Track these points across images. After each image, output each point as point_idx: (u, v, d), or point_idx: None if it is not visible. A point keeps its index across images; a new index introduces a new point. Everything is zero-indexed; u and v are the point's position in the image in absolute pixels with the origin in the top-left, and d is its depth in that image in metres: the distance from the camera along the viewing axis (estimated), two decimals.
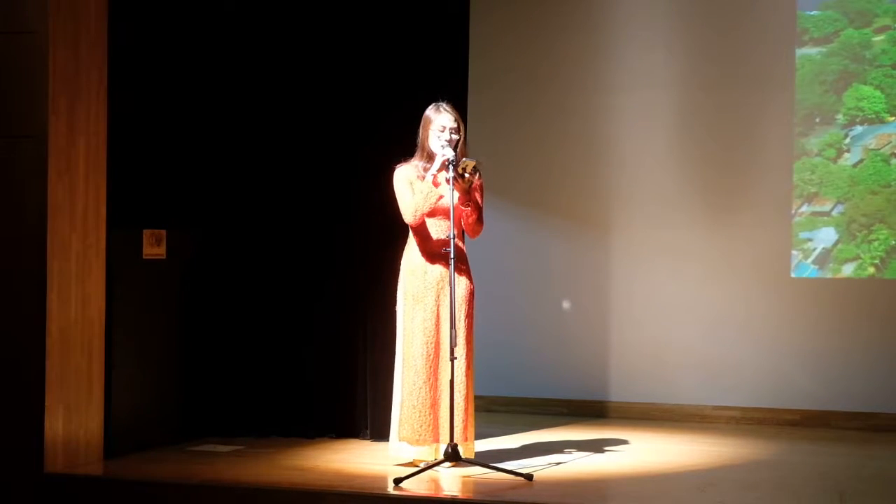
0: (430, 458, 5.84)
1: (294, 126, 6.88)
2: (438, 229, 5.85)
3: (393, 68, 6.73)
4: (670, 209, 7.86)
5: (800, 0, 7.71)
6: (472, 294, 5.90)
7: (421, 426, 5.77)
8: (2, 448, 5.69)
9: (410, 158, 5.92)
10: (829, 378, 7.58)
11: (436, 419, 5.79)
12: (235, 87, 6.93)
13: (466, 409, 5.77)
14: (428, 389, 5.79)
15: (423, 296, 5.84)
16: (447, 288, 5.81)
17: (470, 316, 5.87)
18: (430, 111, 5.87)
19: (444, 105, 5.88)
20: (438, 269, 5.85)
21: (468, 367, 5.79)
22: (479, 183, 5.88)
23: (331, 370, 6.79)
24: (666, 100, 7.90)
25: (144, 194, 6.54)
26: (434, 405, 5.80)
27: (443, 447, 5.79)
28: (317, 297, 6.82)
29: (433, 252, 5.85)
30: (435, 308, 5.83)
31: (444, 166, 5.71)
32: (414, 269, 5.89)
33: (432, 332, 5.82)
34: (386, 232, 6.34)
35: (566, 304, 7.97)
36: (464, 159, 5.73)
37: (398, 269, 5.98)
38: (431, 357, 5.81)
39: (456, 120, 5.84)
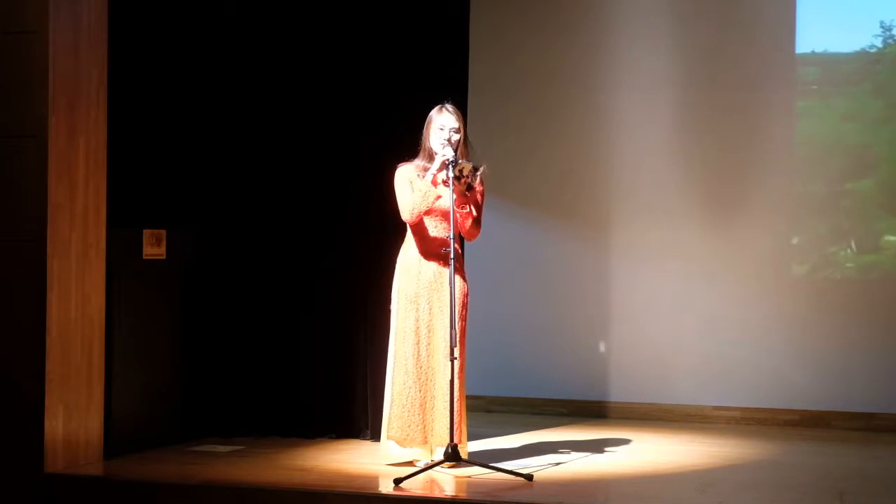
0: (423, 458, 5.84)
1: (294, 126, 6.88)
2: (436, 229, 5.86)
3: (393, 68, 6.73)
4: (670, 209, 7.85)
5: None
6: (466, 296, 5.89)
7: (409, 426, 5.78)
8: (2, 448, 5.69)
9: (413, 158, 5.93)
10: (829, 378, 7.58)
11: (424, 420, 5.79)
12: (235, 88, 6.93)
13: (460, 412, 5.77)
14: (418, 390, 5.80)
15: (416, 296, 5.84)
16: (442, 289, 5.81)
17: (464, 319, 5.86)
18: (433, 112, 5.89)
19: (448, 106, 5.89)
20: (432, 270, 5.85)
21: (461, 368, 5.78)
22: (480, 189, 5.88)
23: (331, 371, 6.80)
24: (666, 100, 7.89)
25: (144, 194, 6.54)
26: (423, 406, 5.80)
27: (436, 449, 5.80)
28: (316, 297, 6.82)
29: (431, 251, 5.85)
30: (428, 308, 5.83)
31: (444, 166, 5.72)
32: (408, 268, 5.89)
33: (425, 333, 5.83)
34: (386, 232, 6.35)
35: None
36: (461, 161, 5.73)
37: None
38: (423, 357, 5.81)
39: (457, 121, 5.85)
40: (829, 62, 7.78)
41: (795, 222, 7.75)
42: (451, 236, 5.68)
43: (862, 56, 7.68)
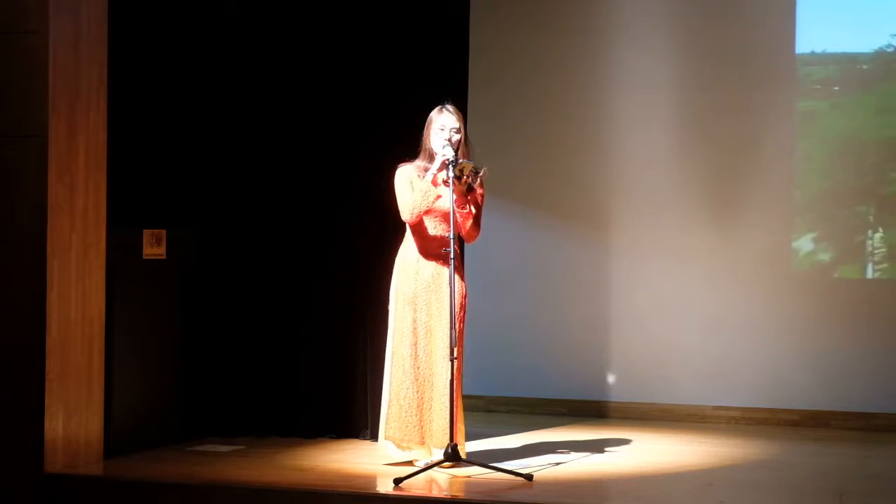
0: (423, 458, 5.84)
1: (294, 126, 6.88)
2: (436, 229, 5.85)
3: (393, 69, 6.73)
4: (670, 210, 7.85)
5: None
6: (464, 298, 5.88)
7: (407, 427, 5.78)
8: (2, 448, 5.69)
9: (413, 159, 5.93)
10: (829, 378, 7.58)
11: (422, 421, 5.79)
12: (235, 88, 6.93)
13: (457, 412, 5.76)
14: (416, 391, 5.80)
15: (414, 296, 5.84)
16: (440, 289, 5.81)
17: (462, 320, 5.85)
18: (433, 112, 5.89)
19: (449, 106, 5.89)
20: (431, 270, 5.85)
21: (458, 369, 5.77)
22: (480, 191, 5.88)
23: (331, 370, 6.80)
24: (666, 101, 7.89)
25: (144, 194, 6.54)
26: (420, 406, 5.80)
27: (434, 449, 5.80)
28: (316, 297, 6.82)
29: (430, 251, 5.85)
30: (426, 309, 5.83)
31: (444, 166, 5.72)
32: (406, 268, 5.89)
33: (423, 334, 5.82)
34: (386, 231, 6.35)
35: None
36: (461, 161, 5.73)
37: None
38: (421, 358, 5.81)
39: (457, 121, 5.85)
40: (829, 62, 7.78)
41: (795, 222, 7.75)
42: (451, 236, 5.67)
43: (868, 57, 7.68)
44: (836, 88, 7.76)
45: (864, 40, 7.65)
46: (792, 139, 7.75)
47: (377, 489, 5.50)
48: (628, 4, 8.01)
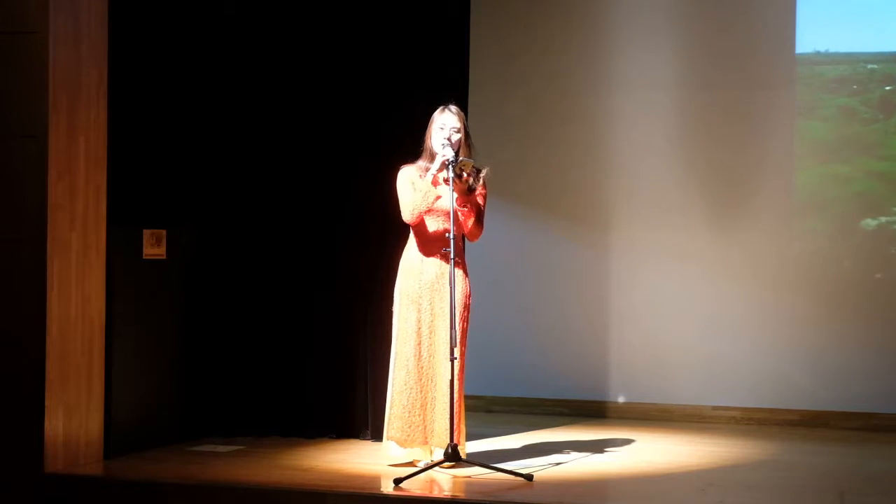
0: (423, 458, 5.85)
1: (294, 126, 6.88)
2: (437, 229, 5.85)
3: (393, 69, 6.73)
4: (670, 209, 7.85)
5: None
6: (468, 297, 5.89)
7: (410, 426, 5.78)
8: (2, 448, 5.69)
9: (416, 159, 5.93)
10: (829, 378, 7.58)
11: (425, 421, 5.79)
12: (235, 87, 6.93)
13: (459, 412, 5.77)
14: (419, 390, 5.80)
15: (417, 296, 5.84)
16: (443, 289, 5.81)
17: (465, 320, 5.86)
18: (436, 112, 5.89)
19: (452, 106, 5.90)
20: (434, 270, 5.85)
21: (461, 369, 5.78)
22: (482, 192, 5.88)
23: (331, 370, 6.80)
24: (666, 100, 7.90)
25: (144, 194, 6.54)
26: (424, 406, 5.80)
27: (435, 449, 5.80)
28: (317, 297, 6.82)
29: (432, 252, 5.85)
30: (430, 309, 5.83)
31: (444, 166, 5.72)
32: (410, 269, 5.90)
33: (426, 334, 5.83)
34: (386, 232, 6.35)
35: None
36: (461, 159, 5.73)
37: (397, 269, 5.98)
38: (424, 358, 5.81)
39: (458, 120, 5.85)
40: (830, 61, 7.78)
41: (795, 223, 7.75)
42: (452, 236, 5.67)
43: (869, 57, 7.68)
44: (837, 88, 7.75)
45: (865, 40, 7.65)
46: (791, 139, 7.75)
47: (377, 489, 5.50)
48: (628, 4, 8.01)
